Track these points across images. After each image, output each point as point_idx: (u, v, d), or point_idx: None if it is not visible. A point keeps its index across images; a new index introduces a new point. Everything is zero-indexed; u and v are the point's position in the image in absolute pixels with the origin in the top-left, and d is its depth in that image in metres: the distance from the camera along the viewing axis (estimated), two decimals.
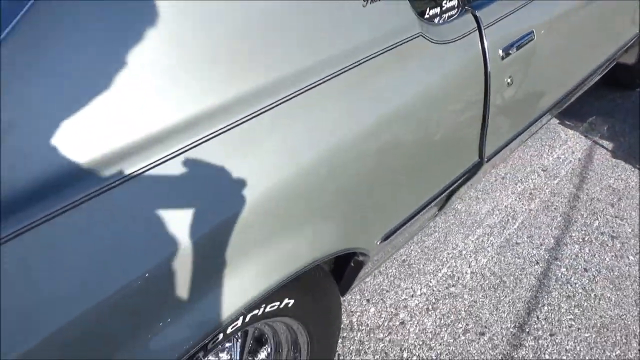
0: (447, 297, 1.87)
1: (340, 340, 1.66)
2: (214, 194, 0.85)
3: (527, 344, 1.69)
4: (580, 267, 1.97)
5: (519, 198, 2.35)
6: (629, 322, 1.75)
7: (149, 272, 0.76)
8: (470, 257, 2.03)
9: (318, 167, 0.97)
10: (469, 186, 1.67)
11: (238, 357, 1.20)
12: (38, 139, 0.71)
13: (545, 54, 1.66)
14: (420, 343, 1.71)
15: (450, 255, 2.04)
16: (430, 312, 1.81)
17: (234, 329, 0.99)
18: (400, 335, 1.74)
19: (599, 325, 1.75)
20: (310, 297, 1.17)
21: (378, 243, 1.19)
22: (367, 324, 1.78)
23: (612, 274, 1.94)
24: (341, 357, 1.67)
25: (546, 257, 2.02)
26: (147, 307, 0.79)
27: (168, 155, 0.80)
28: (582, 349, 1.67)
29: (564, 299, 1.85)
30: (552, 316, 1.78)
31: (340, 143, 1.01)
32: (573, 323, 1.76)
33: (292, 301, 1.10)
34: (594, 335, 1.71)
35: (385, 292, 1.90)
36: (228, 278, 0.88)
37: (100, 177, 0.74)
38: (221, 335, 0.98)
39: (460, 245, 2.09)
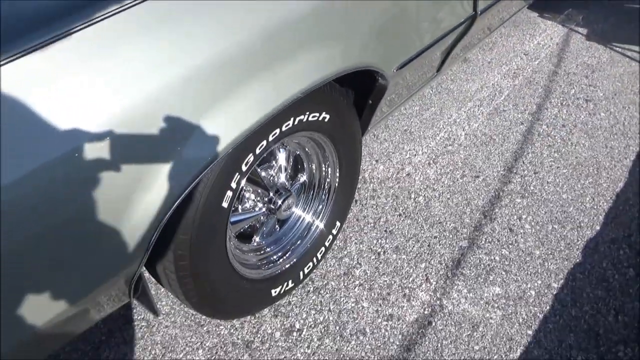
0: (445, 153, 2.15)
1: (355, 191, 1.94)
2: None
3: (514, 181, 1.99)
4: (559, 124, 2.27)
5: (504, 77, 2.61)
6: (600, 159, 2.06)
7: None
8: (463, 123, 2.31)
9: None
10: (463, 46, 1.91)
11: (284, 177, 1.47)
12: None
13: None
14: (425, 187, 2.00)
15: (446, 123, 2.31)
16: (431, 165, 2.10)
17: (275, 136, 1.20)
18: (407, 183, 2.02)
19: (574, 163, 2.05)
20: (341, 119, 1.41)
21: (395, 70, 1.44)
22: (378, 177, 2.06)
23: (586, 127, 2.24)
24: (358, 202, 1.95)
25: (529, 119, 2.31)
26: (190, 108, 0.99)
27: None
28: (560, 181, 1.98)
29: (545, 147, 2.14)
30: (536, 160, 2.08)
31: None
32: (553, 163, 2.06)
33: (328, 116, 1.35)
34: (570, 171, 2.02)
35: (391, 153, 2.17)
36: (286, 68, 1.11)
37: None
38: (276, 133, 1.22)
39: (455, 115, 2.36)
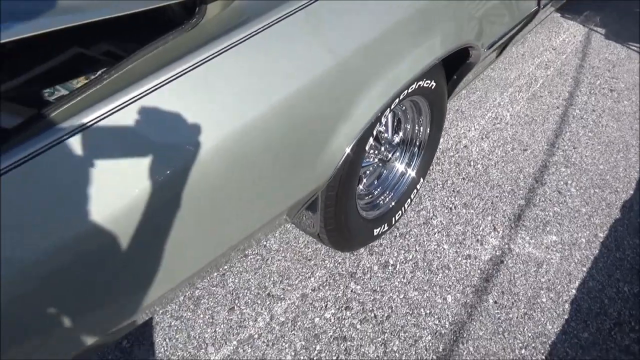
0: (495, 130, 2.47)
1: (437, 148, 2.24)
2: None
3: (558, 153, 2.33)
4: (589, 109, 2.61)
5: (538, 67, 2.95)
6: (628, 139, 2.41)
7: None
8: (507, 105, 2.64)
9: None
10: (522, 34, 2.23)
11: (390, 133, 1.77)
12: None
13: None
14: (481, 157, 2.32)
15: (492, 105, 2.64)
16: (484, 139, 2.42)
17: (403, 96, 1.51)
18: (465, 153, 2.34)
19: (607, 141, 2.40)
20: (440, 87, 1.71)
21: (485, 49, 1.75)
22: (440, 148, 2.36)
23: (613, 112, 2.59)
24: None
25: (564, 104, 2.65)
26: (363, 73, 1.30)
27: None
28: (596, 155, 2.32)
29: (580, 128, 2.49)
30: (573, 137, 2.42)
31: None
32: (588, 141, 2.40)
33: (434, 84, 1.66)
34: (604, 147, 2.37)
35: (447, 129, 2.48)
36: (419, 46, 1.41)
37: None
38: (404, 93, 1.51)
39: (498, 99, 2.69)
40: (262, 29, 1.06)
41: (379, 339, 1.62)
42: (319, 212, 1.48)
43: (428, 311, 1.70)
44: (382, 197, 1.82)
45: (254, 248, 1.89)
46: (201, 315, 1.69)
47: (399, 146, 1.87)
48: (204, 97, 1.01)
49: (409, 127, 1.85)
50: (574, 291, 1.75)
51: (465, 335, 1.63)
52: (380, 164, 1.81)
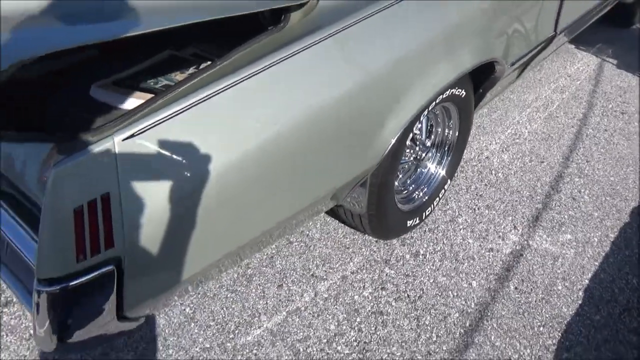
0: (514, 144, 2.71)
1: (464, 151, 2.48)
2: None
3: (572, 166, 2.55)
4: (602, 128, 2.84)
5: (554, 91, 3.20)
6: (637, 155, 2.63)
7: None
8: (525, 124, 2.88)
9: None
10: (540, 58, 2.49)
11: (424, 136, 2.02)
12: None
13: None
14: (502, 166, 2.55)
15: (511, 123, 2.88)
16: (504, 152, 2.65)
17: (439, 100, 1.76)
18: (487, 163, 2.57)
19: (617, 157, 2.62)
20: (469, 96, 1.96)
21: (509, 65, 2.01)
22: (463, 158, 2.59)
23: (623, 132, 2.82)
24: None
25: (578, 123, 2.88)
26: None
27: None
28: (607, 168, 2.54)
29: (593, 145, 2.71)
30: (587, 153, 2.65)
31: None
32: (601, 156, 2.63)
33: (464, 92, 1.91)
34: (614, 162, 2.59)
35: (470, 142, 2.72)
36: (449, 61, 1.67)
37: None
38: (439, 98, 1.76)
39: (517, 117, 2.93)
40: (334, 33, 1.33)
41: (412, 315, 1.82)
42: (366, 194, 1.71)
43: (455, 293, 1.90)
44: (417, 192, 2.06)
45: (298, 236, 2.12)
46: (253, 290, 1.91)
47: (431, 147, 2.11)
48: (286, 86, 1.27)
49: (439, 130, 2.09)
50: (587, 281, 1.95)
51: (489, 314, 1.83)
52: (415, 163, 2.05)
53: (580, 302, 1.87)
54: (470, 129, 2.18)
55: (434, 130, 2.09)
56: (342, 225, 2.16)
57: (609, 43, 3.83)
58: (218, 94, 1.14)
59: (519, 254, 2.06)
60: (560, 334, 1.76)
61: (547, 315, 1.82)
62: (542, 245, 2.10)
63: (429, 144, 2.07)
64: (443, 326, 1.79)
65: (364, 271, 1.99)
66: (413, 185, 2.07)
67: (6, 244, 1.21)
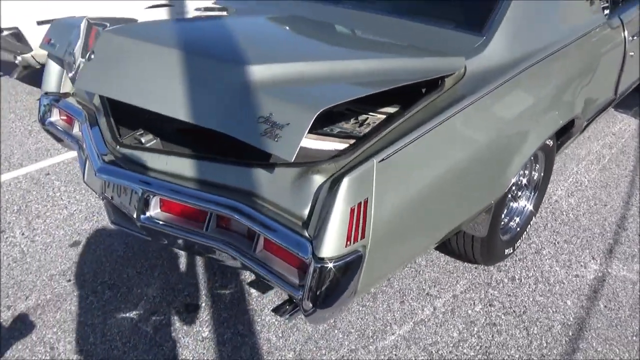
0: (577, 191, 3.10)
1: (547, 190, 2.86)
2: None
3: (633, 208, 2.92)
4: None
5: (602, 147, 3.62)
6: None
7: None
8: (584, 173, 3.28)
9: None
10: (599, 117, 2.93)
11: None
12: None
13: None
14: (571, 209, 2.92)
15: (571, 173, 3.29)
16: (571, 196, 3.04)
17: (535, 149, 2.17)
18: (557, 206, 2.95)
19: None
20: (554, 146, 2.39)
21: (585, 121, 2.44)
22: None
23: None
24: None
25: (630, 174, 3.28)
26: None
27: None
28: None
29: None
30: None
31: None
32: None
33: (551, 143, 2.33)
34: None
35: None
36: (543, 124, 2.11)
37: None
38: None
39: (575, 169, 3.34)
40: (482, 97, 1.77)
41: (521, 326, 2.15)
42: (489, 219, 2.08)
43: (554, 309, 2.23)
44: (511, 223, 2.43)
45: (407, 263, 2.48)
46: (380, 305, 2.25)
47: (523, 186, 2.51)
48: (452, 136, 1.70)
49: (527, 172, 2.50)
50: None
51: (587, 326, 2.14)
52: (511, 198, 2.44)
53: None
54: (552, 171, 2.59)
55: (523, 171, 2.50)
56: (443, 254, 2.52)
57: None
58: (422, 136, 1.54)
59: (601, 279, 2.40)
60: None
61: (637, 328, 2.13)
62: (620, 272, 2.44)
63: (525, 182, 2.48)
64: (550, 335, 2.10)
65: (471, 291, 2.32)
66: (508, 217, 2.45)
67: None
